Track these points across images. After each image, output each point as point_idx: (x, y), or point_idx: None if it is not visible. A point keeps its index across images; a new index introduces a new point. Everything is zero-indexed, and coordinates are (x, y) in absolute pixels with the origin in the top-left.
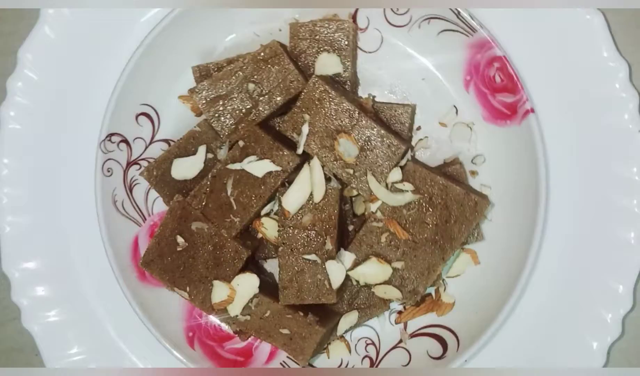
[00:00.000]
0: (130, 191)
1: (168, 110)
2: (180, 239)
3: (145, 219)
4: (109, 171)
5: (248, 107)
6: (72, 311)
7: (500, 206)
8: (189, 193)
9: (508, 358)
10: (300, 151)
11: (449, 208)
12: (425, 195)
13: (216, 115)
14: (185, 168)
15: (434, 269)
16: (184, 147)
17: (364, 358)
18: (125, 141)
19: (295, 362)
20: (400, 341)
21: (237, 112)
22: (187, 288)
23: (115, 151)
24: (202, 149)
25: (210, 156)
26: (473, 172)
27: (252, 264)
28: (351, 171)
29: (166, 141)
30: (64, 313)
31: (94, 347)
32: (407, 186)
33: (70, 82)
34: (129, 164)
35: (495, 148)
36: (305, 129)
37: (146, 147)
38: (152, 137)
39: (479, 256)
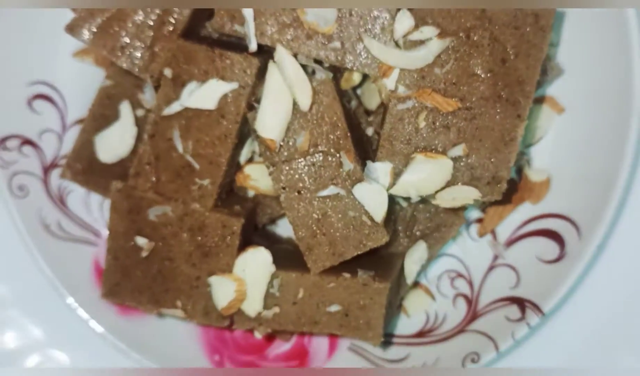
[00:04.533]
0: (63, 203)
1: (68, 80)
2: (141, 241)
3: (99, 232)
4: (21, 190)
5: (156, 16)
6: None
7: (568, 17)
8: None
9: None
10: (253, 46)
11: (500, 39)
12: (460, 34)
13: (117, 47)
14: (114, 143)
15: (511, 137)
16: (101, 116)
17: (455, 298)
18: (27, 141)
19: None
20: (496, 257)
21: (145, 29)
22: (178, 303)
23: (20, 159)
24: (125, 107)
25: (140, 112)
26: None
27: (259, 236)
28: (338, 44)
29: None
30: None
31: None
32: (428, 30)
33: None
34: (46, 169)
35: None
36: (249, 11)
37: (61, 140)
38: (64, 123)
39: (559, 101)
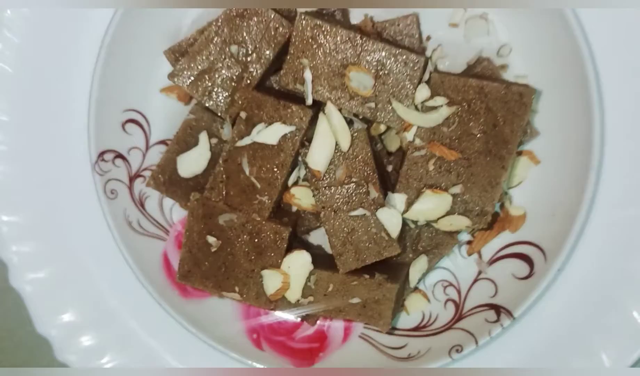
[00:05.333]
0: (142, 206)
1: (154, 109)
2: (211, 239)
3: (168, 231)
4: (112, 193)
5: (238, 72)
6: (124, 351)
7: (544, 94)
8: (204, 187)
9: (599, 262)
10: (309, 101)
11: (492, 109)
12: (463, 104)
13: (206, 93)
14: (192, 163)
15: (496, 181)
16: (183, 141)
17: (446, 302)
18: (119, 155)
19: (377, 330)
20: (480, 272)
21: (228, 81)
22: (236, 288)
23: (112, 169)
24: (203, 137)
25: (214, 140)
26: (503, 67)
27: (297, 242)
28: (372, 105)
29: (163, 142)
30: (115, 358)
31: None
32: (439, 100)
33: (40, 110)
34: (132, 178)
35: (519, 33)
36: (308, 75)
37: (144, 156)
38: (147, 143)
39: (537, 154)
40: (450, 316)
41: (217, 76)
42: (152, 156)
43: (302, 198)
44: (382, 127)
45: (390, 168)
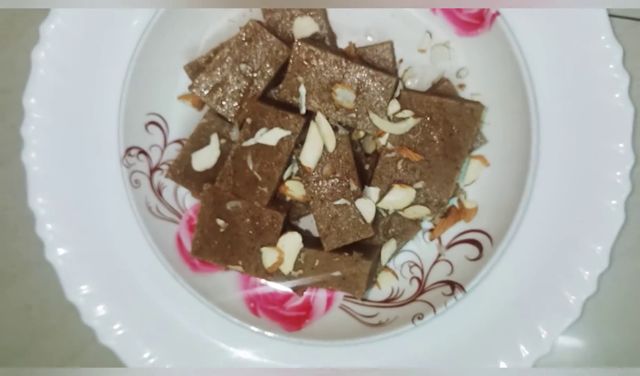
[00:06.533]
0: (160, 194)
1: (172, 114)
2: (220, 222)
3: (181, 216)
4: (136, 183)
5: (245, 86)
6: (138, 321)
7: (493, 109)
8: (214, 179)
9: (536, 247)
10: (303, 111)
11: (449, 121)
12: (426, 116)
13: (219, 102)
14: (204, 159)
15: (451, 179)
16: (197, 141)
17: (411, 279)
18: (142, 151)
19: (354, 298)
20: (439, 255)
21: (237, 93)
22: (240, 262)
23: (137, 162)
24: (214, 138)
25: (223, 141)
26: (461, 86)
27: (290, 226)
28: (354, 115)
29: (178, 141)
30: (128, 326)
31: (167, 347)
32: (407, 112)
33: (77, 110)
34: (152, 171)
35: (475, 58)
36: (303, 90)
37: (162, 152)
38: (165, 142)
39: (487, 158)
40: (414, 290)
41: (228, 88)
42: (169, 152)
43: (294, 190)
44: (361, 133)
45: (367, 167)
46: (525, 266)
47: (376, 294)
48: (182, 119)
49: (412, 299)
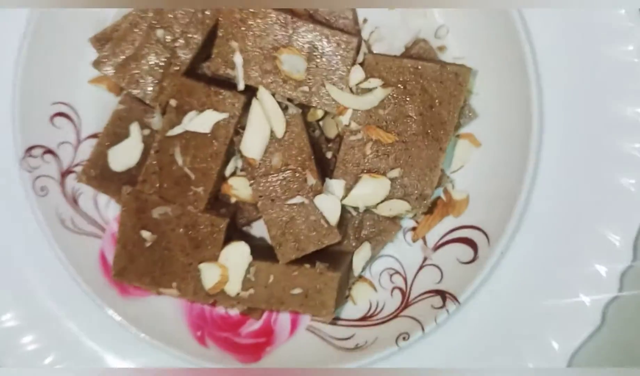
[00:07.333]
0: (76, 203)
1: (84, 101)
2: (145, 234)
3: (104, 228)
4: (42, 190)
5: (165, 58)
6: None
7: (483, 75)
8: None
9: (543, 243)
10: (241, 86)
11: (428, 90)
12: (398, 85)
13: (133, 81)
14: (124, 155)
15: (435, 164)
16: (113, 133)
17: (393, 290)
18: (49, 151)
19: (321, 321)
20: (425, 258)
21: (156, 68)
22: (173, 284)
23: (42, 165)
24: (134, 128)
25: (146, 132)
26: (441, 48)
27: (237, 234)
28: (306, 88)
29: (95, 136)
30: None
31: None
32: (374, 81)
33: None
34: (63, 174)
35: (456, 14)
36: (238, 58)
37: (76, 151)
38: (78, 137)
39: (477, 137)
40: (397, 304)
41: (143, 62)
42: (84, 150)
43: (240, 188)
44: (320, 113)
45: (330, 155)
46: (530, 268)
47: (351, 310)
48: (98, 107)
49: (395, 315)
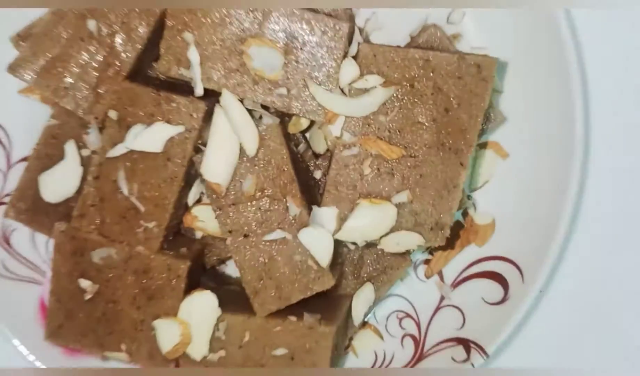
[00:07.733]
0: (8, 243)
1: (14, 117)
2: (85, 283)
3: (44, 273)
4: None
5: (102, 58)
6: None
7: (510, 70)
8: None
9: (589, 278)
10: (199, 90)
11: (443, 89)
12: (404, 83)
13: (60, 88)
14: (59, 182)
15: (454, 184)
16: (45, 155)
17: (403, 338)
18: None
19: None
20: (442, 298)
21: (89, 71)
22: (122, 346)
23: None
24: (70, 147)
25: (86, 152)
26: (455, 36)
27: (207, 277)
28: (284, 91)
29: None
30: None
31: None
32: (372, 79)
33: None
34: None
35: None
36: (194, 54)
37: (5, 178)
38: (8, 161)
39: (503, 146)
40: (409, 355)
41: (73, 64)
42: (15, 177)
43: (207, 220)
44: (304, 121)
45: (318, 174)
46: (574, 308)
47: (352, 363)
48: (32, 125)
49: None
